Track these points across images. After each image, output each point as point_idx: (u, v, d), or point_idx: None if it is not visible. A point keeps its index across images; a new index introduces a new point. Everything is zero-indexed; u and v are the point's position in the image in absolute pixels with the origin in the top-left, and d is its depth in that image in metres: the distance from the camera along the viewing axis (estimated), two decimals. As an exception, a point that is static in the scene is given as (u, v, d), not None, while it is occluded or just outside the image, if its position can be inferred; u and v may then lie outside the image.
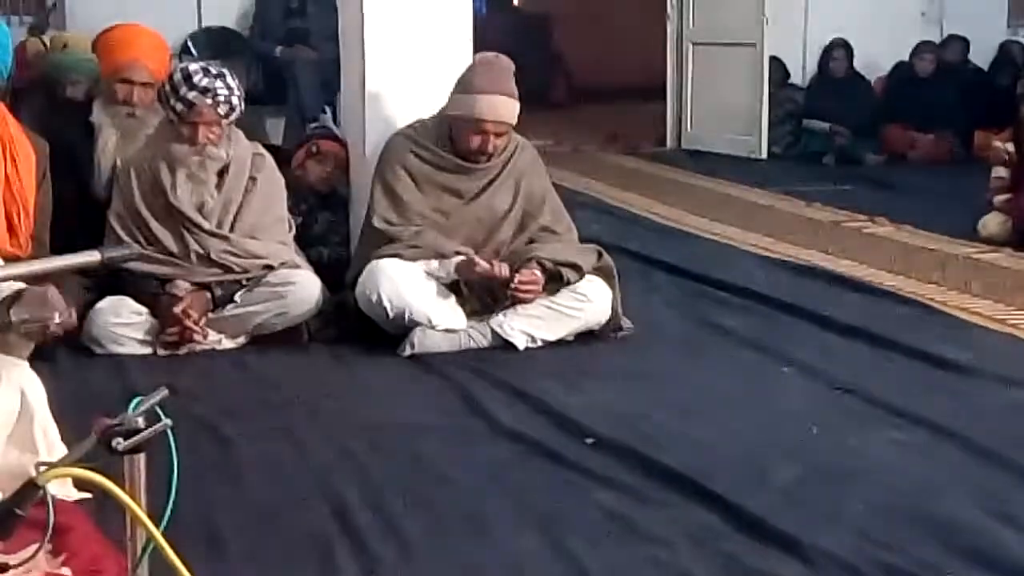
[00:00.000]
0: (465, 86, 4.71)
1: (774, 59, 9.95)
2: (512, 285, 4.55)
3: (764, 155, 9.85)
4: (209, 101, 4.60)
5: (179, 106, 4.61)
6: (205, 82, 4.59)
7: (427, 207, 4.73)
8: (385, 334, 4.59)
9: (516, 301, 4.58)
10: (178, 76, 4.63)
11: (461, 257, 4.62)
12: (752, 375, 4.39)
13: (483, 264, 4.54)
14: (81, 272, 4.49)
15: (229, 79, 4.65)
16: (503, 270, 4.57)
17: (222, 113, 4.64)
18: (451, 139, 4.74)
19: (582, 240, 5.03)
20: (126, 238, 4.60)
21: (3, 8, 9.14)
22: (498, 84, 4.69)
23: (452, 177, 4.78)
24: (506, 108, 4.69)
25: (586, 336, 4.72)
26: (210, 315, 4.62)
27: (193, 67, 4.66)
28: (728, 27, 10.00)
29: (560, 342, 4.65)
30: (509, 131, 4.74)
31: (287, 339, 4.67)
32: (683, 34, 10.47)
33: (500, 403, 4.00)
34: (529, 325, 4.59)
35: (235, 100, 4.65)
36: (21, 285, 2.90)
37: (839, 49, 9.98)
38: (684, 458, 3.44)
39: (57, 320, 2.80)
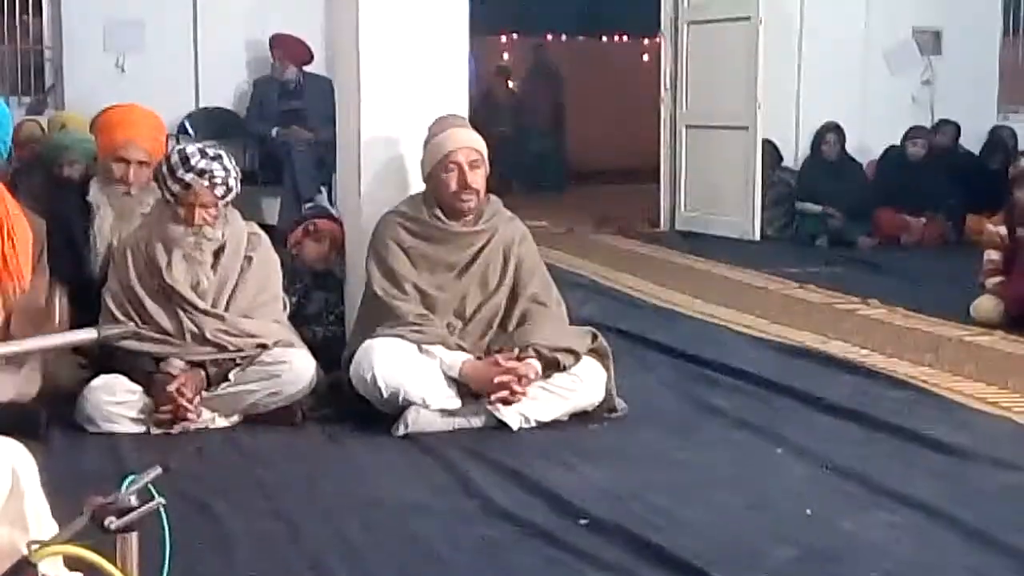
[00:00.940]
0: (427, 143, 4.84)
1: (767, 142, 10.04)
2: (499, 379, 4.56)
3: (757, 237, 9.90)
4: (206, 183, 4.62)
5: (176, 187, 4.64)
6: (202, 164, 4.62)
7: (421, 281, 4.76)
8: (379, 413, 4.59)
9: (506, 400, 4.58)
10: (175, 158, 4.65)
11: (468, 357, 4.64)
12: (745, 456, 4.38)
13: (503, 377, 4.55)
14: (76, 350, 4.50)
15: (226, 161, 4.68)
16: (518, 379, 4.57)
17: (218, 195, 4.66)
18: (437, 203, 4.79)
19: (576, 321, 5.04)
20: (121, 317, 4.60)
21: (2, 89, 9.23)
22: (454, 123, 4.86)
23: (442, 248, 4.82)
24: (468, 135, 4.82)
25: (580, 416, 4.72)
26: (204, 394, 4.62)
27: (190, 149, 4.69)
28: (721, 110, 10.10)
29: (554, 422, 4.65)
30: (483, 165, 4.79)
31: (281, 418, 4.65)
32: (677, 117, 10.57)
33: (494, 483, 3.99)
34: (523, 405, 4.59)
35: (231, 182, 4.68)
36: None
37: (831, 132, 10.07)
38: (677, 539, 3.43)
39: None
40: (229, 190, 4.69)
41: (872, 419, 4.70)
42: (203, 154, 4.65)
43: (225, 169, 4.66)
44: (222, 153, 4.71)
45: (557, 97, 15.65)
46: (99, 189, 5.19)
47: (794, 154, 10.55)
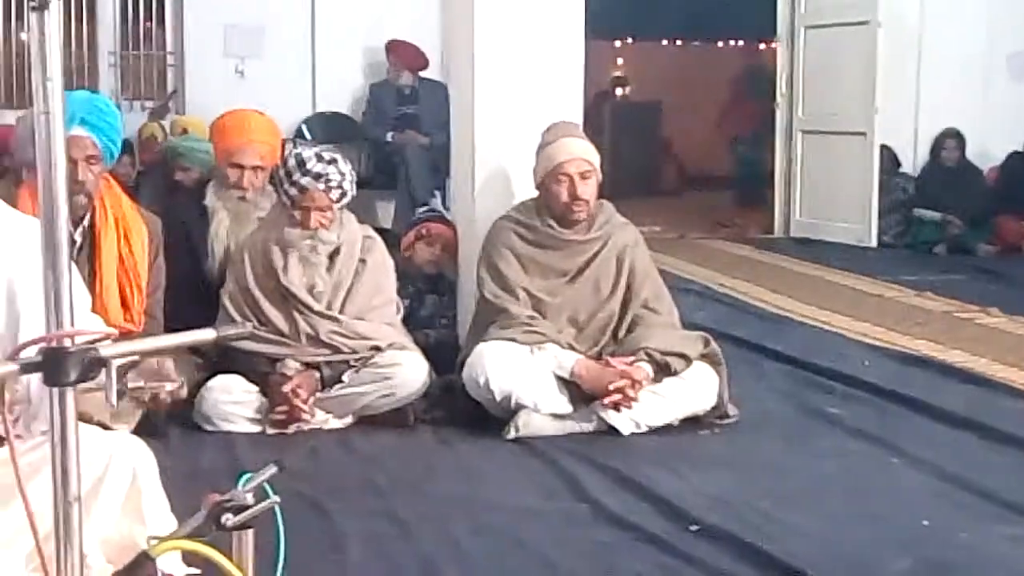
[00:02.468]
0: (538, 150, 4.84)
1: (884, 148, 9.90)
2: (615, 386, 4.55)
3: (874, 243, 9.77)
4: (321, 186, 4.68)
5: (292, 191, 4.70)
6: (318, 168, 4.67)
7: (532, 286, 4.77)
8: (491, 416, 4.61)
9: (618, 404, 4.57)
10: (292, 162, 4.72)
11: (579, 356, 4.64)
12: (860, 465, 4.32)
13: (617, 382, 4.53)
14: (193, 350, 4.58)
15: (341, 164, 4.73)
16: (631, 384, 4.56)
17: (334, 198, 4.71)
18: (549, 211, 4.81)
19: (689, 327, 5.02)
20: (238, 318, 4.67)
21: (127, 94, 9.42)
22: (566, 131, 4.85)
23: (555, 255, 4.83)
24: (579, 146, 4.80)
25: (692, 422, 4.69)
26: (318, 395, 4.67)
27: (306, 153, 4.75)
28: (838, 116, 9.99)
29: (665, 427, 4.63)
30: (594, 175, 4.78)
31: (393, 420, 4.69)
32: (792, 123, 10.48)
33: (604, 488, 3.98)
34: (634, 410, 4.58)
35: (347, 185, 4.73)
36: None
37: (951, 139, 9.91)
38: (790, 548, 3.39)
39: (168, 389, 2.86)
40: (344, 193, 4.74)
41: (991, 429, 4.61)
42: (319, 158, 4.70)
43: (340, 173, 4.70)
44: (337, 157, 4.76)
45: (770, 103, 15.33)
46: (215, 194, 5.27)
47: (912, 160, 10.39)
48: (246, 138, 5.25)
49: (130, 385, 2.76)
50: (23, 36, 9.65)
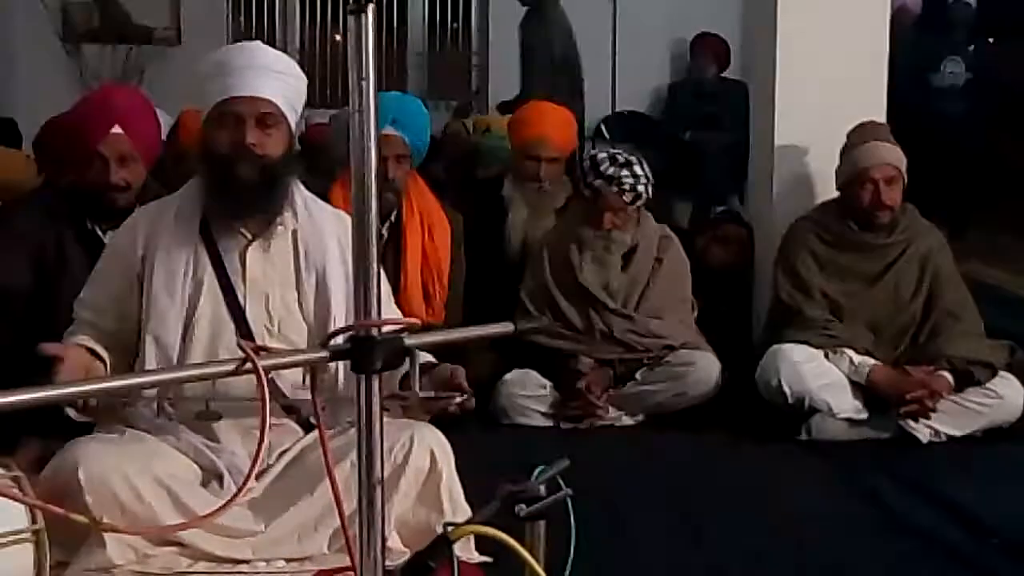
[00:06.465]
0: (843, 152, 4.77)
1: None
2: (913, 395, 4.44)
3: None
4: (615, 189, 4.70)
5: (587, 192, 4.76)
6: (611, 171, 4.70)
7: (830, 289, 4.70)
8: (784, 419, 4.56)
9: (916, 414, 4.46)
10: (587, 164, 4.77)
11: (876, 362, 4.55)
12: None
13: (916, 393, 4.44)
14: (491, 343, 4.69)
15: (637, 168, 4.73)
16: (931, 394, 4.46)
17: (627, 200, 4.73)
18: (850, 214, 4.72)
19: (993, 335, 4.85)
20: (535, 313, 4.75)
21: (432, 93, 9.69)
22: (872, 135, 4.74)
23: (855, 258, 4.74)
24: (884, 151, 4.69)
25: (995, 433, 4.53)
26: (611, 391, 4.72)
27: (601, 155, 4.78)
28: None
29: (966, 438, 4.49)
30: (900, 179, 4.67)
31: (685, 419, 4.69)
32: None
33: (899, 496, 3.89)
34: (934, 419, 4.46)
35: (641, 188, 4.73)
36: (431, 358, 3.07)
37: None
38: (1097, 568, 3.25)
39: (457, 401, 2.93)
40: (638, 196, 4.74)
41: None
42: (613, 160, 4.73)
43: (634, 176, 4.71)
44: (634, 160, 4.76)
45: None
46: (513, 186, 5.38)
47: None
48: (541, 130, 5.33)
49: (421, 395, 2.79)
50: (337, 37, 10.06)
